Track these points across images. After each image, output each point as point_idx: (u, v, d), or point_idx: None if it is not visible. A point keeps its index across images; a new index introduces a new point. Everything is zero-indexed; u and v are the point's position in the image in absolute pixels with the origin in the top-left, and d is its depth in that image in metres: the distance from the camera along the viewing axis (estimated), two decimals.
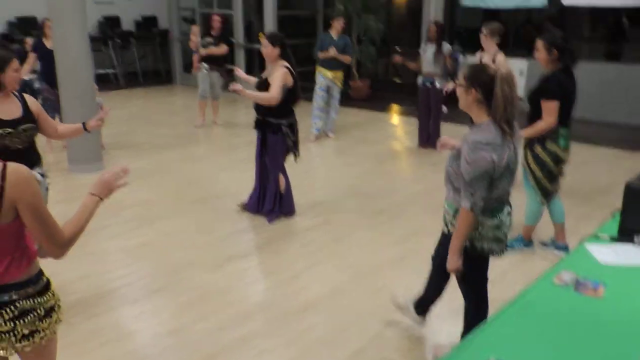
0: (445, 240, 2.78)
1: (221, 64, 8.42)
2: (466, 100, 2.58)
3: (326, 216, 5.14)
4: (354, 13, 10.04)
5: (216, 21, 8.27)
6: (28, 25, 10.68)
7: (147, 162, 6.68)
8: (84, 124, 3.47)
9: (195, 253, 4.39)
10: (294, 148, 4.87)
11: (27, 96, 3.28)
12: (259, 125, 4.82)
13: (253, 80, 5.01)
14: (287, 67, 4.58)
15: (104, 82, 10.80)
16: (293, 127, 4.79)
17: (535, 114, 4.00)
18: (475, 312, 2.88)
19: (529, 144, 4.06)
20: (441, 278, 3.05)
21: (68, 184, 5.76)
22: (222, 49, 8.26)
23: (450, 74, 7.21)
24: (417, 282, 3.36)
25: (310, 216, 5.13)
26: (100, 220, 4.57)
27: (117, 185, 2.08)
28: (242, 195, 5.28)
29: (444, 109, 7.25)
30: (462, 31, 10.88)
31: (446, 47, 7.06)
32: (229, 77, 8.22)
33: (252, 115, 4.87)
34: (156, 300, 3.73)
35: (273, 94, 4.48)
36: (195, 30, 8.60)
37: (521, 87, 7.68)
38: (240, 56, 11.21)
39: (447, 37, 7.46)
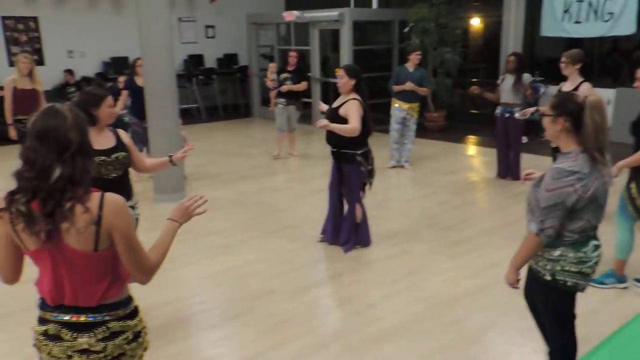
0: (532, 276, 2.67)
1: (297, 98, 8.64)
2: (554, 129, 2.51)
3: (402, 246, 5.08)
4: (430, 46, 10.05)
5: (292, 57, 8.51)
6: (121, 65, 11.48)
7: (226, 192, 6.90)
8: (170, 156, 3.61)
9: (272, 281, 4.45)
10: (368, 177, 4.87)
11: (119, 130, 3.51)
12: (335, 156, 4.87)
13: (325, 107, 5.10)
14: (358, 100, 4.64)
15: (187, 116, 11.34)
16: (367, 156, 4.81)
17: (639, 145, 3.83)
18: (561, 353, 2.71)
19: (635, 173, 3.88)
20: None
21: (153, 213, 6.03)
22: (302, 85, 8.46)
23: (530, 105, 7.00)
24: (496, 315, 3.23)
25: (386, 246, 5.09)
26: (181, 247, 4.78)
27: (196, 211, 2.16)
28: (318, 225, 5.33)
29: (524, 139, 7.04)
30: (542, 61, 10.60)
31: (526, 77, 6.89)
32: (304, 109, 8.48)
33: (327, 147, 4.94)
34: (234, 327, 3.80)
35: (354, 125, 4.53)
36: (272, 67, 8.91)
37: (609, 117, 7.33)
38: (316, 90, 11.47)
39: (526, 67, 7.27)
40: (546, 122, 2.54)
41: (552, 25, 9.26)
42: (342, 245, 5.00)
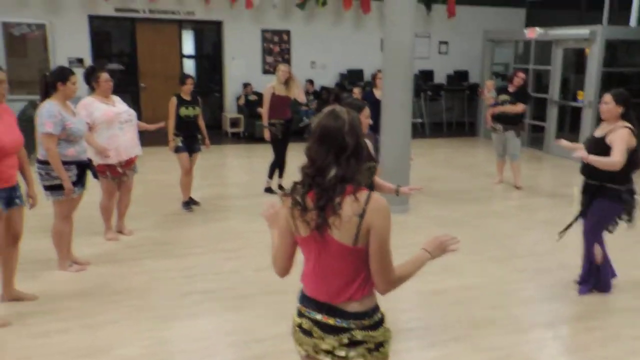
0: None
1: (516, 123, 7.84)
2: None
3: None
4: None
5: (519, 77, 7.80)
6: (356, 77, 12.16)
7: (449, 211, 6.80)
8: (398, 187, 3.75)
9: (494, 311, 4.24)
10: (630, 217, 4.33)
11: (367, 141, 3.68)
12: (590, 190, 4.41)
13: (574, 146, 4.64)
14: (629, 128, 4.15)
15: (412, 131, 11.47)
16: (632, 194, 4.28)
17: None
18: None
19: None
20: None
21: None
22: (518, 107, 7.73)
23: None
24: None
25: (631, 297, 4.49)
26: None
27: (450, 248, 2.20)
28: (546, 257, 4.95)
29: None
30: None
31: None
32: (533, 133, 7.83)
33: (557, 177, 4.54)
34: (453, 349, 3.71)
35: (617, 159, 4.05)
36: (490, 84, 8.46)
37: None
38: (553, 113, 10.70)
39: None
40: None
41: None
42: (578, 285, 4.56)
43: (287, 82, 7.13)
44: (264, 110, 7.20)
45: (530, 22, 12.93)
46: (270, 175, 7.45)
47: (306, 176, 2.01)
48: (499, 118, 7.87)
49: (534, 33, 10.67)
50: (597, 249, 4.49)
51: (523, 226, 6.41)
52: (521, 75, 7.88)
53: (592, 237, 4.47)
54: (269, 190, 7.44)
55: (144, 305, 4.24)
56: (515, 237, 6.01)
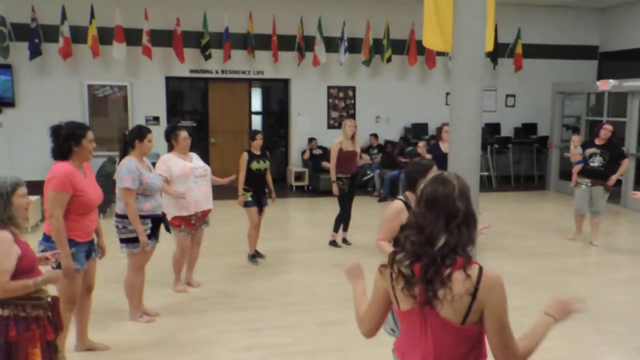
0: None
1: (606, 178, 7.37)
2: None
3: None
4: None
5: (605, 130, 7.38)
6: (420, 131, 12.15)
7: (518, 268, 6.52)
8: None
9: None
10: None
11: None
12: None
13: None
14: None
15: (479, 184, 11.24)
16: None
17: None
18: None
19: None
20: None
21: None
22: (624, 164, 7.33)
23: None
24: None
25: None
26: None
27: (575, 309, 2.01)
28: (630, 319, 4.60)
29: None
30: None
31: None
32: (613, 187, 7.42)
33: (636, 232, 4.27)
34: None
35: None
36: (576, 140, 8.13)
37: None
38: (630, 166, 10.20)
39: None
40: None
41: None
42: None
43: (353, 137, 7.22)
44: (331, 165, 7.27)
45: (602, 74, 12.58)
46: (336, 229, 7.45)
47: (412, 244, 1.87)
48: (586, 173, 7.47)
49: (607, 85, 10.35)
50: None
51: (601, 285, 6.02)
52: (608, 127, 7.39)
53: None
54: (333, 243, 7.42)
55: (209, 357, 4.25)
56: (595, 296, 5.65)
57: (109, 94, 11.18)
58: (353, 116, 12.07)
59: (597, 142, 7.43)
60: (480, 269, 1.83)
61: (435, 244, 1.82)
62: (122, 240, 4.62)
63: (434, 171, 3.44)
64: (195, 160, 5.58)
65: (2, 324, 2.83)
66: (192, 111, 12.71)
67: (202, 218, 5.60)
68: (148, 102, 11.31)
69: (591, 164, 7.41)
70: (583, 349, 4.43)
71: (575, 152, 7.86)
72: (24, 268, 2.89)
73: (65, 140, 3.81)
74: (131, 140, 4.65)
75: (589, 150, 7.46)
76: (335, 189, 7.24)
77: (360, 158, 7.57)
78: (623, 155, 7.47)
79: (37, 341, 2.89)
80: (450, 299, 1.79)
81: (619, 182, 10.42)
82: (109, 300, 5.17)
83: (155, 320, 4.90)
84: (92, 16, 10.35)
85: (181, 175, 5.32)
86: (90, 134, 3.94)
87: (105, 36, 10.55)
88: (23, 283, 2.87)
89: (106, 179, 8.33)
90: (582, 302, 1.99)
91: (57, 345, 3.14)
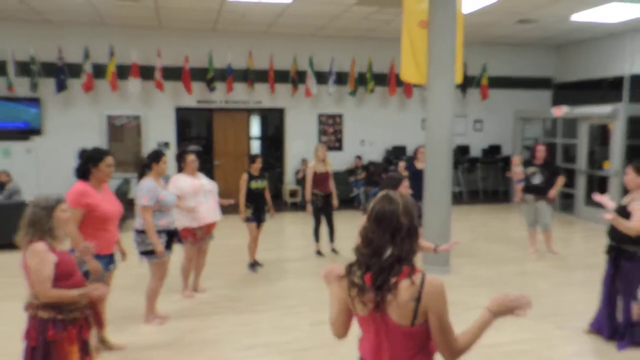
0: None
1: (543, 192, 7.27)
2: None
3: None
4: None
5: (539, 151, 7.35)
6: (399, 152, 12.23)
7: (487, 271, 6.54)
8: (436, 246, 3.61)
9: None
10: None
11: None
12: (613, 251, 4.22)
13: (606, 201, 4.45)
14: None
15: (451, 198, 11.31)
16: None
17: None
18: None
19: None
20: None
21: None
22: (560, 180, 7.22)
23: None
24: None
25: None
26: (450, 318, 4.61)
27: (517, 312, 1.93)
28: (584, 316, 4.65)
29: None
30: None
31: None
32: (564, 199, 7.45)
33: (590, 239, 4.33)
34: None
35: (633, 225, 3.91)
36: (517, 160, 8.10)
37: None
38: (581, 182, 10.34)
39: None
40: None
41: None
42: (617, 341, 4.23)
43: (324, 160, 7.30)
44: (307, 187, 7.30)
45: (556, 101, 12.78)
46: (317, 239, 7.50)
47: (362, 256, 1.88)
48: (528, 189, 7.41)
49: (561, 112, 10.52)
50: (634, 307, 4.19)
51: (560, 285, 6.06)
52: (540, 148, 7.37)
53: (628, 296, 4.20)
54: (319, 252, 7.45)
55: (216, 356, 4.22)
56: (554, 295, 5.69)
57: (125, 122, 11.20)
58: (340, 140, 12.14)
59: (536, 162, 7.35)
60: (423, 275, 1.83)
61: (382, 255, 1.82)
62: (142, 253, 4.62)
63: (405, 184, 3.49)
64: (203, 179, 5.61)
65: (42, 325, 2.83)
66: (198, 137, 12.74)
67: (209, 231, 5.60)
68: (160, 130, 11.33)
69: (533, 182, 7.32)
70: (549, 342, 4.45)
71: (517, 170, 7.74)
72: (62, 273, 2.88)
73: (85, 162, 3.84)
74: (149, 162, 4.68)
75: (530, 170, 7.35)
76: (309, 209, 7.31)
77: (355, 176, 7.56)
78: (559, 172, 7.38)
79: (74, 340, 2.88)
80: (397, 304, 1.79)
81: (571, 195, 10.57)
82: (125, 306, 5.14)
83: (166, 323, 4.87)
84: (112, 54, 10.42)
85: (191, 191, 5.34)
86: (109, 159, 3.96)
87: (123, 72, 10.61)
88: (68, 293, 2.84)
89: (121, 198, 8.29)
90: (522, 298, 1.92)
91: (89, 343, 3.06)
